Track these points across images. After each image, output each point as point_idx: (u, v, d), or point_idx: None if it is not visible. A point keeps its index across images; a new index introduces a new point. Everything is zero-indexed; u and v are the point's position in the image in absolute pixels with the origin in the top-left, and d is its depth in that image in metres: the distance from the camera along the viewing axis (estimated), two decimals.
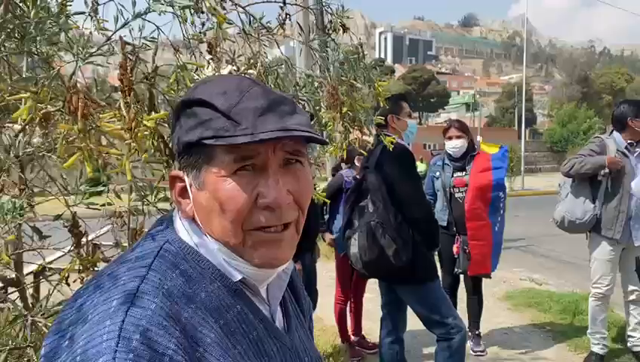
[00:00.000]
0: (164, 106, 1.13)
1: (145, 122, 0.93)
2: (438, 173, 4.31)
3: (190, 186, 0.79)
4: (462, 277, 4.43)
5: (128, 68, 0.94)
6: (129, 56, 0.96)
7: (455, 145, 4.18)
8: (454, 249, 4.17)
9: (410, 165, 3.12)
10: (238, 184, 0.74)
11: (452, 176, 4.22)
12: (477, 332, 4.44)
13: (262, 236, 0.77)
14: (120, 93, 0.94)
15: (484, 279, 4.43)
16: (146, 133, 0.95)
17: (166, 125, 1.08)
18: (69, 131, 0.90)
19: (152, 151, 1.02)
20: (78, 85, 0.93)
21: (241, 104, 0.74)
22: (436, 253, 4.30)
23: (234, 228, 0.76)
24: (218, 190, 0.75)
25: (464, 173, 4.16)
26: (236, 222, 0.75)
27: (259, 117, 0.73)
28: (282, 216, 0.77)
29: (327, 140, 0.82)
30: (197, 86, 0.82)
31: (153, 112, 1.03)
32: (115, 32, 0.96)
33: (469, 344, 4.38)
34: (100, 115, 0.95)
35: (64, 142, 0.93)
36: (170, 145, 0.91)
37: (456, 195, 4.18)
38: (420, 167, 14.79)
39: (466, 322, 4.46)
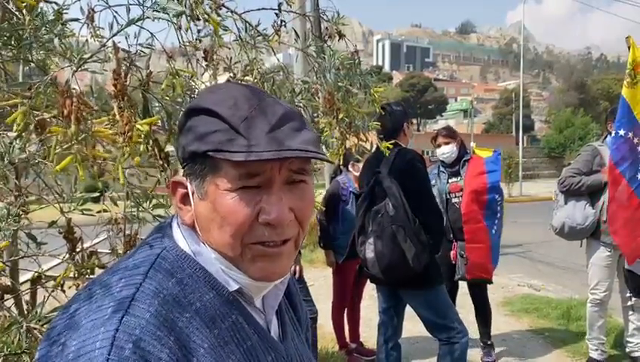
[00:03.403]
0: (159, 111, 1.13)
1: (138, 126, 0.94)
2: (434, 181, 4.31)
3: (192, 194, 0.79)
4: (460, 284, 4.40)
5: (122, 73, 0.95)
6: (123, 61, 0.96)
7: (444, 151, 4.21)
8: (452, 255, 4.16)
9: (425, 170, 3.17)
10: (241, 199, 0.74)
11: (447, 182, 4.23)
12: (489, 342, 4.40)
13: (261, 250, 0.76)
14: (114, 98, 0.94)
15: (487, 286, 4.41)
16: (139, 139, 0.96)
17: (161, 131, 1.09)
18: (62, 135, 0.90)
19: (147, 156, 1.02)
20: (73, 90, 0.93)
21: (250, 119, 0.73)
22: None
23: (234, 241, 0.75)
24: (220, 203, 0.74)
25: (459, 178, 4.18)
26: (236, 235, 0.75)
27: (267, 134, 0.72)
28: (283, 233, 0.76)
29: (331, 160, 0.81)
30: (206, 93, 0.82)
31: (147, 117, 1.03)
32: (109, 39, 0.96)
33: (480, 354, 4.38)
34: (95, 120, 0.95)
35: (57, 147, 0.93)
36: (164, 149, 0.91)
37: (453, 201, 4.19)
38: None
39: (475, 332, 4.43)
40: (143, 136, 0.96)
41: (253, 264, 0.77)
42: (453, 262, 4.17)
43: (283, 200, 0.75)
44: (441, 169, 4.31)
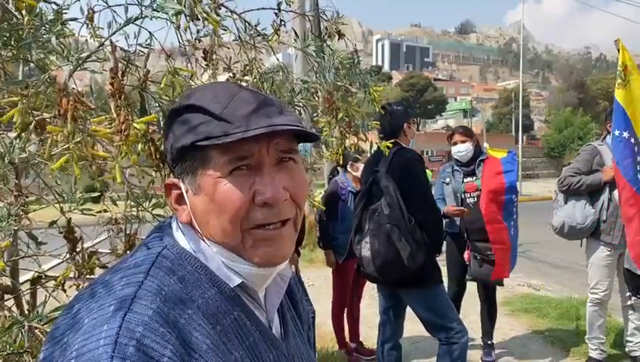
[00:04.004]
0: (158, 112, 1.13)
1: (135, 125, 0.94)
2: (448, 179, 4.27)
3: (186, 192, 0.79)
4: (468, 284, 4.37)
5: (119, 72, 0.95)
6: (120, 60, 0.96)
7: (460, 150, 4.15)
8: (465, 255, 4.12)
9: (423, 170, 3.17)
10: (234, 184, 0.75)
11: (462, 181, 4.18)
12: (489, 342, 4.37)
13: (261, 234, 0.77)
14: (111, 97, 0.95)
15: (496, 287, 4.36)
16: (137, 136, 0.96)
17: (158, 131, 1.09)
18: (60, 135, 0.90)
19: (144, 156, 1.02)
20: (72, 89, 0.93)
21: (231, 106, 0.76)
22: (445, 259, 4.29)
23: (233, 228, 0.76)
24: (215, 192, 0.75)
25: (474, 177, 4.13)
26: (235, 222, 0.76)
27: (250, 115, 0.75)
28: (280, 213, 0.77)
29: (319, 134, 0.84)
30: (187, 94, 0.84)
31: (144, 116, 1.03)
32: (107, 38, 0.96)
33: (479, 354, 4.37)
34: (93, 120, 0.96)
35: (56, 146, 0.93)
36: (160, 148, 0.91)
37: (468, 200, 4.13)
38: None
39: (478, 331, 4.43)
40: (140, 135, 0.97)
41: (255, 250, 0.78)
42: (467, 263, 4.13)
43: (276, 180, 0.77)
44: (456, 168, 4.25)
